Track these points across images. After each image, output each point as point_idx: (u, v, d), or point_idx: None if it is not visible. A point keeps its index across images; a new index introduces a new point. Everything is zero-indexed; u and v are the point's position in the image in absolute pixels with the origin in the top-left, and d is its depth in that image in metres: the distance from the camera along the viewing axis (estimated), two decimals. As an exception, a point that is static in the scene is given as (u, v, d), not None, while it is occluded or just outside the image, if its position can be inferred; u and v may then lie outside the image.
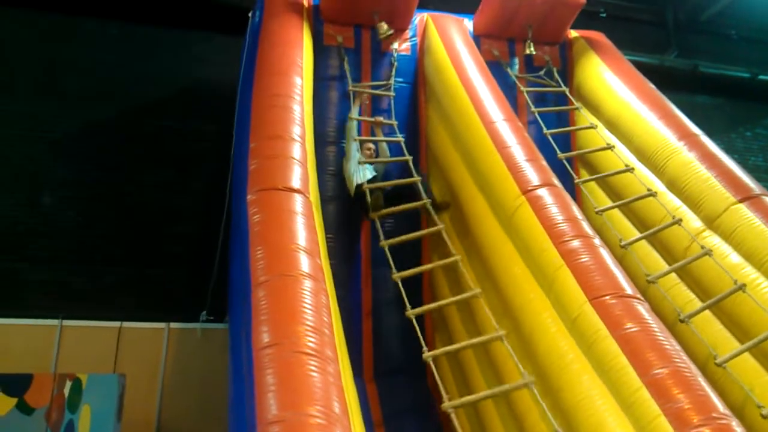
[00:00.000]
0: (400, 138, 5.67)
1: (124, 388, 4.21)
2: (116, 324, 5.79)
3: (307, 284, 3.23)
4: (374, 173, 5.44)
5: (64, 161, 6.51)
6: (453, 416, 3.32)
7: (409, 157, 5.42)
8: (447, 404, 3.37)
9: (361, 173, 5.34)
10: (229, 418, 3.12)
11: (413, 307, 4.16)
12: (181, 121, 6.93)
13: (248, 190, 3.90)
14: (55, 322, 5.68)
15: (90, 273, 6.19)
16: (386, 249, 4.44)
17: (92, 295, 6.09)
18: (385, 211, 5.08)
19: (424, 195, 5.10)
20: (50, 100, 6.64)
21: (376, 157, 5.64)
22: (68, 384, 4.41)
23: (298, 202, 3.83)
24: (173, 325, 5.93)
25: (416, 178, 5.24)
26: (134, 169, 6.63)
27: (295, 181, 3.99)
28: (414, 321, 3.86)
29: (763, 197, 4.53)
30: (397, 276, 4.26)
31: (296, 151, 4.26)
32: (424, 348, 3.64)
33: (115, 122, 6.78)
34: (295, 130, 4.44)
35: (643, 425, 2.96)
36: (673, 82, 7.84)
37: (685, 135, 5.16)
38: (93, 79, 6.81)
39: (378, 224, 4.89)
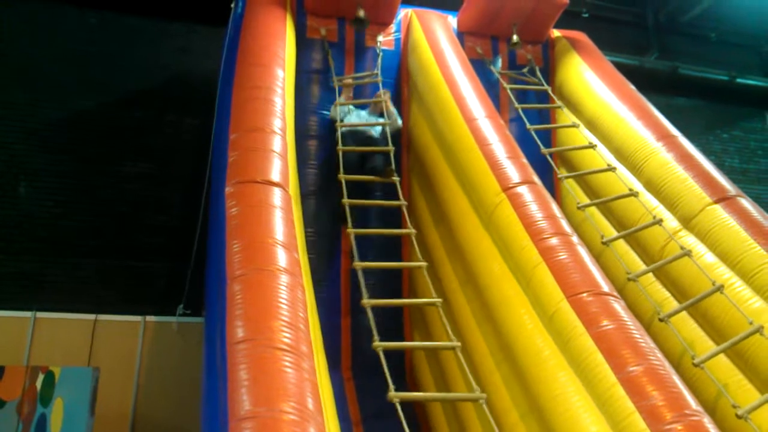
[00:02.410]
0: (386, 122, 5.63)
1: (97, 382, 4.16)
2: (91, 317, 5.72)
3: (284, 279, 3.20)
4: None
5: (41, 151, 6.40)
6: (397, 405, 3.28)
7: (391, 148, 5.37)
8: (393, 394, 3.33)
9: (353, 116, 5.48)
10: (202, 414, 3.09)
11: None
12: (161, 113, 6.85)
13: (226, 182, 3.85)
14: (28, 313, 5.60)
15: (65, 265, 6.11)
16: (359, 271, 4.19)
17: (67, 287, 6.01)
18: (355, 177, 5.11)
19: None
20: (28, 89, 6.52)
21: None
22: (41, 377, 4.34)
23: (276, 195, 3.79)
24: (149, 318, 5.87)
25: (389, 148, 5.29)
26: (112, 161, 6.55)
27: (275, 175, 3.95)
28: (369, 311, 3.81)
29: (738, 198, 4.58)
30: (367, 303, 4.15)
31: (276, 144, 4.22)
32: (375, 337, 3.60)
33: (94, 112, 6.68)
34: (276, 123, 4.40)
35: (618, 421, 2.98)
36: (653, 84, 7.92)
37: (663, 136, 5.21)
38: (72, 68, 6.70)
39: (354, 244, 4.51)
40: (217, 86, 5.65)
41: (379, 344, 3.57)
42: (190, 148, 6.74)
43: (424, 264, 4.38)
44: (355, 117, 5.71)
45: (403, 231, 4.93)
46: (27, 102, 6.48)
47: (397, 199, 5.06)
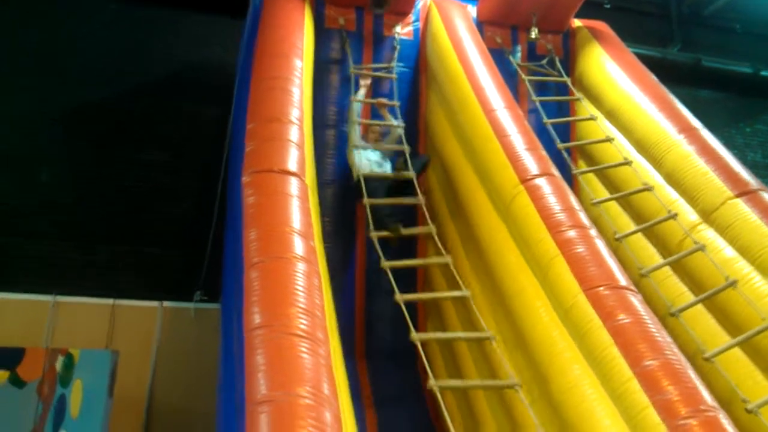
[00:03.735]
0: (401, 124, 5.62)
1: (116, 365, 4.23)
2: (110, 301, 5.80)
3: (300, 266, 3.22)
4: (379, 159, 5.37)
5: (61, 139, 6.48)
6: (438, 395, 3.32)
7: (407, 147, 5.32)
8: (433, 383, 3.38)
9: (364, 159, 5.27)
10: (218, 399, 3.13)
11: (406, 292, 4.15)
12: (179, 102, 6.90)
13: (243, 171, 3.88)
14: (48, 297, 5.69)
15: (85, 251, 6.19)
16: (388, 270, 4.25)
17: (86, 272, 6.10)
18: (381, 201, 4.98)
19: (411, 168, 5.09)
20: (49, 77, 6.59)
21: (383, 139, 5.59)
22: (60, 359, 4.42)
23: (293, 185, 3.81)
24: (167, 303, 5.94)
25: (411, 174, 5.12)
26: (131, 149, 6.61)
27: (292, 164, 3.97)
28: (403, 306, 3.85)
29: (761, 192, 4.52)
30: (386, 264, 4.22)
31: (294, 134, 4.23)
32: (412, 330, 3.64)
33: (114, 101, 6.74)
34: (294, 113, 4.41)
35: (632, 415, 2.97)
36: (675, 76, 7.80)
37: (685, 128, 5.14)
38: (92, 57, 6.76)
39: (376, 243, 4.60)
40: (235, 77, 5.68)
41: (417, 336, 3.68)
42: (208, 138, 6.78)
43: (448, 260, 4.40)
44: (370, 154, 5.47)
45: (413, 201, 5.02)
46: (48, 89, 6.54)
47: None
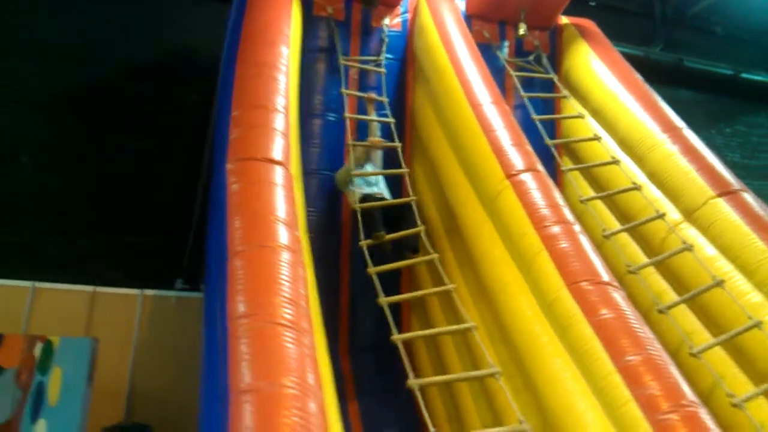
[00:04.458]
0: (391, 120, 5.60)
1: (95, 352, 4.17)
2: (90, 289, 5.72)
3: (285, 256, 3.20)
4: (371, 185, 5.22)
5: (41, 122, 6.36)
6: (417, 393, 3.33)
7: (398, 144, 5.31)
8: (412, 381, 3.38)
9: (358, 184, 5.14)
10: (202, 388, 3.11)
11: (390, 289, 4.16)
12: (163, 88, 6.80)
13: (228, 159, 3.83)
14: (27, 283, 5.59)
15: (65, 237, 6.10)
16: (374, 276, 4.22)
17: (66, 259, 6.01)
18: (387, 237, 4.77)
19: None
20: (30, 59, 6.46)
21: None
22: (39, 345, 4.35)
23: (278, 173, 3.78)
24: (147, 291, 5.87)
25: (412, 197, 5.03)
26: (113, 135, 6.51)
27: (277, 153, 3.93)
28: (386, 308, 3.86)
29: (742, 193, 4.58)
30: (372, 270, 4.22)
31: (279, 122, 4.19)
32: (394, 330, 3.65)
33: (96, 86, 6.62)
34: (279, 101, 4.36)
35: (614, 409, 3.01)
36: (656, 75, 7.87)
37: (669, 128, 5.19)
38: (75, 41, 6.63)
39: (366, 252, 4.53)
40: (221, 63, 5.61)
41: (398, 337, 3.65)
42: (191, 124, 6.71)
43: (435, 257, 4.40)
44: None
45: (422, 260, 4.78)
46: (29, 72, 6.41)
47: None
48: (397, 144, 5.30)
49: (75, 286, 5.70)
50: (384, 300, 3.85)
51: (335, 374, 3.70)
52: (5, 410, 4.21)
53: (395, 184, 5.44)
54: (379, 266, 4.26)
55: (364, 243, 4.47)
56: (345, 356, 5.08)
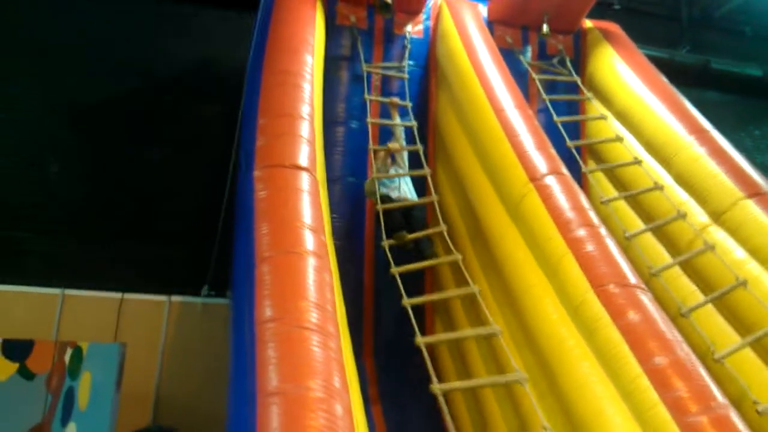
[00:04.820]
0: (413, 123, 5.62)
1: (124, 357, 4.24)
2: (118, 295, 5.82)
3: (311, 261, 3.23)
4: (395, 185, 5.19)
5: (71, 132, 6.50)
6: (440, 397, 3.32)
7: (419, 146, 5.32)
8: (435, 386, 3.37)
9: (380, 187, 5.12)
10: (229, 391, 3.14)
11: (413, 291, 4.16)
12: (188, 98, 6.92)
13: (255, 166, 3.88)
14: (57, 291, 5.71)
15: (93, 245, 6.21)
16: (397, 276, 4.25)
17: (94, 266, 6.12)
18: (409, 237, 4.81)
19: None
20: (56, 69, 6.61)
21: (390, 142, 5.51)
22: (69, 351, 4.43)
23: (304, 180, 3.82)
24: (174, 298, 5.96)
25: (434, 197, 5.03)
26: (140, 144, 6.63)
27: (303, 159, 3.97)
28: (409, 309, 3.87)
29: (771, 194, 4.51)
30: (395, 270, 4.24)
31: (304, 129, 4.24)
32: (417, 334, 3.64)
33: (122, 95, 6.76)
34: (304, 109, 4.41)
35: (642, 412, 2.97)
36: (683, 78, 7.77)
37: (695, 130, 5.13)
38: (101, 51, 6.78)
39: (387, 252, 4.56)
40: (242, 73, 5.69)
41: (421, 340, 3.66)
42: (216, 134, 6.78)
43: (458, 257, 4.40)
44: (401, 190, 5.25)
45: (443, 261, 4.86)
46: (55, 82, 6.55)
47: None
48: (419, 147, 5.29)
49: (103, 293, 5.81)
50: (407, 301, 3.85)
51: (359, 377, 3.71)
52: (37, 414, 4.30)
53: (420, 187, 5.44)
54: (401, 266, 4.25)
55: (386, 243, 4.47)
56: (369, 359, 5.09)
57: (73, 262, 6.09)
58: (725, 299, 4.23)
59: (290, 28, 5.25)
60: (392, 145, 5.45)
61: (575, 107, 6.37)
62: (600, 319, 3.37)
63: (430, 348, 4.69)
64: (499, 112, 4.97)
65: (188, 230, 6.46)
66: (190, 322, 5.89)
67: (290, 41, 5.09)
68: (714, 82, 8.76)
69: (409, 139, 5.65)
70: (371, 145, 5.31)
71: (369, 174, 5.44)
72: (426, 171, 5.13)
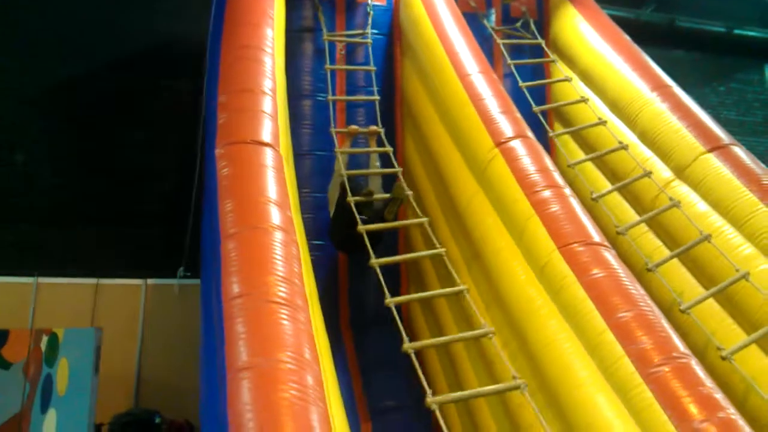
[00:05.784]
0: (376, 98, 5.57)
1: (100, 341, 4.25)
2: (93, 281, 5.79)
3: (277, 236, 3.23)
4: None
5: (34, 118, 6.38)
6: (413, 356, 3.35)
7: (390, 149, 5.10)
8: (407, 345, 3.39)
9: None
10: (201, 369, 3.16)
11: (385, 256, 4.17)
12: (154, 78, 6.80)
13: (217, 143, 3.85)
14: (30, 279, 5.66)
15: (65, 232, 6.15)
16: (364, 234, 4.14)
17: (68, 253, 6.07)
18: (376, 195, 4.77)
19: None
20: (18, 55, 6.46)
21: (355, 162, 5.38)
22: (45, 339, 4.43)
23: (268, 155, 3.79)
24: (150, 281, 5.94)
25: (397, 169, 4.93)
26: (107, 127, 6.53)
27: (265, 135, 3.94)
28: (377, 269, 3.87)
29: (732, 147, 4.58)
30: (362, 228, 4.22)
31: (267, 104, 4.19)
32: (387, 295, 3.68)
33: (86, 79, 6.62)
34: (266, 84, 4.36)
35: (607, 366, 3.05)
36: (649, 36, 7.79)
37: (657, 86, 5.18)
38: (62, 34, 6.61)
39: (353, 207, 4.46)
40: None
41: (391, 300, 3.67)
42: (185, 114, 6.70)
43: (425, 220, 4.41)
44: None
45: (414, 221, 4.69)
46: (18, 68, 6.41)
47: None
48: (389, 149, 5.14)
49: (78, 279, 5.78)
50: (375, 261, 3.88)
51: (337, 352, 3.77)
52: (15, 403, 4.31)
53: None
54: (368, 225, 4.24)
55: (351, 199, 4.45)
56: (347, 334, 5.14)
57: (46, 249, 6.04)
58: (689, 253, 4.32)
59: (249, 2, 5.16)
60: (352, 127, 5.40)
61: (541, 71, 6.38)
62: (565, 278, 3.44)
63: (407, 316, 4.76)
64: (463, 77, 4.96)
65: (162, 212, 6.42)
66: (168, 304, 5.89)
67: (249, 15, 5.00)
68: (680, 40, 8.80)
69: (372, 118, 5.57)
70: (333, 127, 5.25)
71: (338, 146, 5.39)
72: (398, 169, 4.96)
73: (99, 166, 6.39)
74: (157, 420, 5.01)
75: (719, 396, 2.79)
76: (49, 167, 6.31)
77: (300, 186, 4.80)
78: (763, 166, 4.52)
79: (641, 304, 3.22)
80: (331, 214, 5.04)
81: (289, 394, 2.46)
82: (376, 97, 5.58)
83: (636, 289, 3.32)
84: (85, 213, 6.25)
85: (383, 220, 4.63)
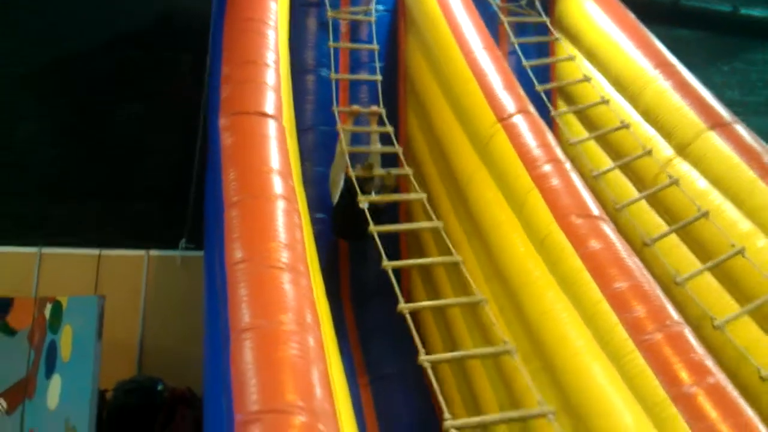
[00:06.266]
0: (378, 77, 5.58)
1: (103, 309, 4.30)
2: (95, 251, 5.84)
3: (280, 204, 3.29)
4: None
5: (33, 95, 6.39)
6: (408, 319, 3.42)
7: (399, 149, 5.09)
8: (403, 306, 3.54)
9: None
10: (204, 333, 3.23)
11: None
12: (155, 51, 6.79)
13: (220, 114, 3.90)
14: (34, 249, 5.72)
15: (68, 205, 6.18)
16: (365, 207, 4.27)
17: (71, 226, 6.10)
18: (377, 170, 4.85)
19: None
20: (13, 33, 6.44)
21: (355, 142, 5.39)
22: (49, 306, 4.49)
23: (270, 126, 3.84)
24: (153, 252, 5.99)
25: (398, 149, 4.98)
26: (108, 101, 6.53)
27: (269, 107, 3.98)
28: (376, 236, 3.93)
29: (734, 125, 4.60)
30: (362, 198, 4.28)
31: (270, 76, 4.23)
32: (384, 259, 3.74)
33: (86, 53, 6.61)
34: (269, 56, 4.39)
35: (602, 335, 3.11)
36: (654, 15, 7.70)
37: (660, 64, 5.18)
38: (61, 8, 6.59)
39: (354, 180, 4.55)
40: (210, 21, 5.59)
41: (388, 264, 3.76)
42: (187, 86, 6.69)
43: (423, 196, 4.46)
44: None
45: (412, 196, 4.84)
46: (14, 46, 6.40)
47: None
48: (390, 129, 5.17)
49: (81, 250, 5.83)
50: (374, 229, 3.94)
51: (338, 323, 3.83)
52: (21, 369, 4.39)
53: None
54: (370, 197, 4.33)
55: (352, 173, 4.52)
56: (347, 305, 5.20)
57: (49, 221, 6.08)
58: (688, 229, 4.36)
59: (253, -26, 5.15)
60: (354, 107, 5.44)
61: (545, 49, 6.37)
62: (563, 250, 3.48)
63: (408, 287, 4.80)
64: (467, 53, 4.97)
65: (164, 185, 6.45)
66: (170, 275, 5.94)
67: (253, -12, 5.00)
68: (684, 19, 8.73)
69: (374, 96, 5.58)
70: (335, 106, 5.26)
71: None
72: (398, 149, 5.02)
73: (100, 140, 6.41)
74: (160, 387, 5.09)
75: (710, 362, 2.85)
76: (50, 143, 6.34)
77: (302, 159, 4.83)
78: (763, 143, 4.54)
79: (637, 275, 3.27)
80: (334, 200, 5.06)
81: (290, 353, 2.53)
82: (379, 77, 5.60)
83: (633, 262, 3.37)
84: (87, 186, 6.28)
85: (377, 210, 4.63)
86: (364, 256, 5.24)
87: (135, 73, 6.68)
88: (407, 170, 4.73)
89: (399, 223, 5.65)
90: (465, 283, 3.89)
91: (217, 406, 2.53)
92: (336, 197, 4.94)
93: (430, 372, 3.06)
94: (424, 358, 3.14)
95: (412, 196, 4.63)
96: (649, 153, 4.81)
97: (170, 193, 6.32)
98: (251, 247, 3.03)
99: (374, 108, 5.41)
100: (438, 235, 4.30)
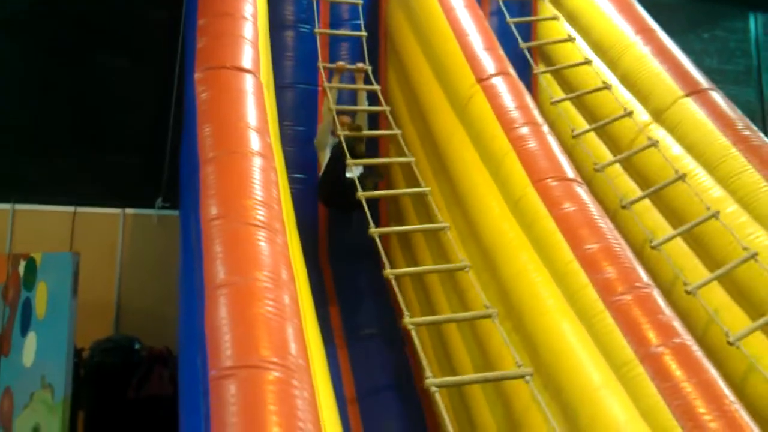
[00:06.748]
0: (363, 33, 5.50)
1: (78, 266, 4.25)
2: (70, 209, 5.75)
3: (256, 161, 3.25)
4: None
5: (7, 45, 6.19)
6: (393, 282, 3.47)
7: (387, 108, 4.97)
8: (388, 271, 3.53)
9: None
10: (180, 289, 3.22)
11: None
12: (133, 5, 6.59)
13: (196, 68, 3.82)
14: (6, 206, 5.62)
15: (41, 160, 6.04)
16: (353, 169, 4.27)
17: (44, 181, 5.97)
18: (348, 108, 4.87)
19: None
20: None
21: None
22: (22, 263, 4.44)
23: (248, 81, 3.77)
24: (128, 210, 5.93)
25: (385, 108, 4.91)
26: (85, 55, 6.34)
27: (246, 61, 3.90)
28: (364, 203, 3.93)
29: (710, 92, 4.63)
30: (351, 162, 4.27)
31: (247, 30, 4.14)
32: (371, 225, 3.75)
33: (64, 5, 6.40)
34: (247, 9, 4.28)
35: (572, 294, 3.18)
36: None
37: (641, 29, 5.17)
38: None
39: (343, 141, 4.46)
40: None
41: (375, 231, 3.74)
42: (163, 40, 6.54)
43: (411, 159, 4.46)
44: None
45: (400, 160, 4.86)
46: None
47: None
48: (377, 87, 5.10)
49: (55, 207, 5.74)
50: (362, 194, 3.94)
51: (316, 286, 3.85)
52: (-5, 325, 4.36)
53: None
54: (355, 160, 4.30)
55: (341, 133, 4.47)
56: (326, 268, 5.22)
57: (22, 176, 5.95)
58: (661, 194, 4.43)
59: (230, -75, 4.99)
60: (340, 63, 5.33)
61: (528, 9, 6.32)
62: (538, 212, 3.53)
63: (386, 247, 4.82)
64: (448, 11, 4.92)
65: (139, 142, 6.33)
66: (147, 233, 5.88)
67: (230, -61, 4.85)
68: (666, -15, 8.69)
69: (356, 53, 5.51)
70: (320, 63, 5.16)
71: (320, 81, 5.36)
72: (386, 108, 4.95)
73: (75, 95, 6.24)
74: (137, 346, 5.10)
75: (677, 324, 2.93)
76: (23, 96, 6.15)
77: (281, 118, 4.78)
78: (738, 111, 4.59)
79: (609, 236, 3.33)
80: (322, 165, 5.00)
81: (264, 310, 2.53)
82: (364, 33, 5.50)
83: (605, 223, 3.42)
84: (61, 142, 6.13)
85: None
86: (344, 218, 5.25)
87: (113, 25, 6.48)
88: (409, 157, 4.55)
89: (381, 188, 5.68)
90: (445, 248, 3.93)
91: (191, 362, 2.54)
92: (324, 162, 4.90)
93: (414, 334, 3.10)
94: (408, 320, 3.17)
95: (401, 159, 4.64)
96: (629, 114, 4.83)
97: (146, 150, 6.21)
98: (227, 203, 3.01)
99: (361, 65, 5.32)
100: (417, 199, 4.32)
